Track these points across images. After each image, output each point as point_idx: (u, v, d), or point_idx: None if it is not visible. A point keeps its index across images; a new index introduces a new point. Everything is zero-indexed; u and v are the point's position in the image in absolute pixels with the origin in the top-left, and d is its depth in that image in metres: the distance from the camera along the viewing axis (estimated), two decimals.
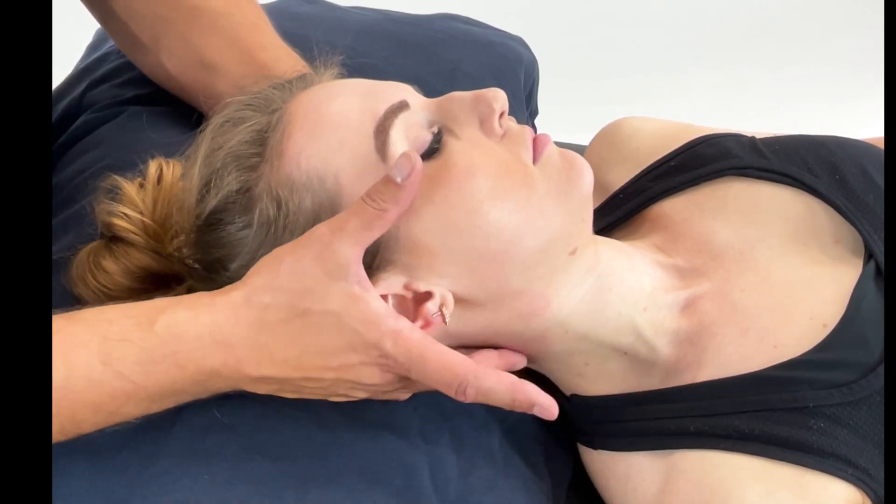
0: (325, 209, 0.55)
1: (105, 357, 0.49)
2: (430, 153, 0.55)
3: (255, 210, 0.56)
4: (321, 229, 0.51)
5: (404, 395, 0.58)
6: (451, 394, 0.51)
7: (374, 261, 0.54)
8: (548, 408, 0.52)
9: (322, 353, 0.51)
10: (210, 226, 0.57)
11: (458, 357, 0.52)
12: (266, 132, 0.57)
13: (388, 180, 0.50)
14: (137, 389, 0.50)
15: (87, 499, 0.52)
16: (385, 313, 0.51)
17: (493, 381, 0.51)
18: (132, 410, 0.52)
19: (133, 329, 0.50)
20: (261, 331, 0.51)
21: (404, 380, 0.54)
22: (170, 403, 0.53)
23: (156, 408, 0.52)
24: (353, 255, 0.50)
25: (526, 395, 0.52)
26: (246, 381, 0.53)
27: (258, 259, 0.54)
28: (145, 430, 0.53)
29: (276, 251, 0.52)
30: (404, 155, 0.50)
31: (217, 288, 0.54)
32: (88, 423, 0.51)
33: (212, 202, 0.57)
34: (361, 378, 0.52)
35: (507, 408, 0.53)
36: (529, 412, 0.52)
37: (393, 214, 0.50)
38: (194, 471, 0.54)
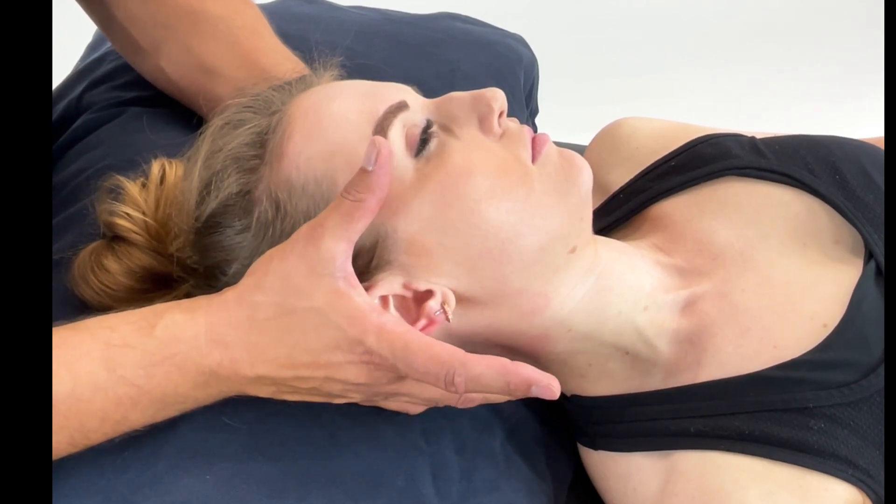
0: (319, 210, 0.54)
1: (108, 363, 0.49)
2: (423, 145, 0.55)
3: (255, 213, 0.56)
4: (304, 228, 0.51)
5: (413, 409, 0.58)
6: (442, 385, 0.49)
7: (372, 262, 0.54)
8: (547, 385, 0.48)
9: (309, 350, 0.51)
10: (208, 228, 0.57)
11: (444, 346, 0.50)
12: (266, 134, 0.57)
13: (362, 171, 0.50)
14: (141, 394, 0.50)
15: (89, 499, 0.52)
16: (368, 308, 0.50)
17: (482, 366, 0.49)
18: (138, 418, 0.52)
19: (134, 334, 0.51)
20: (252, 330, 0.51)
21: (397, 380, 0.53)
22: (175, 410, 0.53)
23: (161, 416, 0.53)
24: (336, 250, 0.50)
25: (520, 377, 0.49)
26: (244, 383, 0.53)
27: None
28: (147, 431, 0.53)
29: (268, 252, 0.53)
30: (371, 141, 0.50)
31: (214, 292, 0.54)
32: (97, 432, 0.51)
33: (211, 204, 0.57)
34: (349, 377, 0.52)
35: (505, 394, 0.50)
36: (528, 395, 0.49)
37: (372, 203, 0.50)
38: (196, 471, 0.54)
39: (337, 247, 0.50)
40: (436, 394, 0.55)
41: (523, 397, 0.50)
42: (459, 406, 0.57)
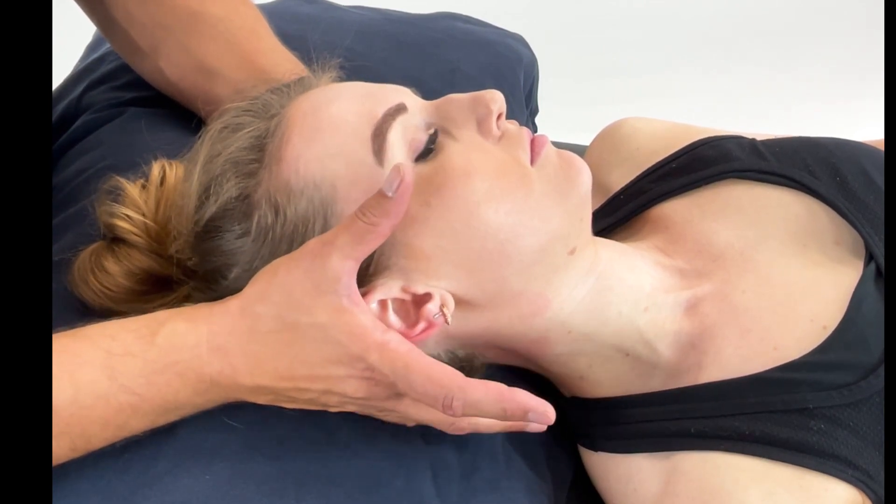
0: (318, 215, 0.55)
1: (110, 372, 0.50)
2: (426, 154, 0.55)
3: (254, 217, 0.56)
4: (312, 243, 0.51)
5: (409, 422, 0.58)
6: (439, 407, 0.51)
7: (371, 267, 0.54)
8: (543, 413, 0.50)
9: (309, 363, 0.51)
10: (208, 233, 0.57)
11: (445, 369, 0.51)
12: (265, 138, 0.57)
13: (380, 194, 0.50)
14: (143, 402, 0.51)
15: (88, 499, 0.52)
16: (372, 326, 0.51)
17: (480, 392, 0.50)
18: (139, 424, 0.52)
19: (135, 342, 0.51)
20: (253, 340, 0.52)
21: (395, 396, 0.54)
22: (175, 416, 0.53)
23: (162, 421, 0.53)
24: (343, 268, 0.50)
25: (517, 403, 0.50)
26: (243, 391, 0.53)
27: (256, 267, 0.54)
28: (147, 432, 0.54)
29: (274, 263, 0.53)
30: (394, 168, 0.50)
31: (216, 296, 0.55)
32: (98, 438, 0.51)
33: (211, 209, 0.57)
34: (347, 391, 0.53)
35: (501, 419, 0.51)
36: (524, 420, 0.50)
37: (385, 228, 0.50)
38: (195, 471, 0.54)
39: (343, 266, 0.50)
40: (430, 416, 0.56)
41: (519, 420, 0.51)
42: (450, 432, 0.57)
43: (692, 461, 0.58)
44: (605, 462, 0.63)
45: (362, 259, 0.51)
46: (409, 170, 0.50)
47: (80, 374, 0.49)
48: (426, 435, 0.61)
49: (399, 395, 0.53)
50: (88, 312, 0.61)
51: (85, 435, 0.50)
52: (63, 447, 0.50)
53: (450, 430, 0.57)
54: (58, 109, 0.90)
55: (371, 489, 0.56)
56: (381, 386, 0.52)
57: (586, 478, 0.66)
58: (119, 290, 0.61)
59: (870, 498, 0.55)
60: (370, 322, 0.51)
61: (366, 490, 0.56)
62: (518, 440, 0.65)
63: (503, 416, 0.50)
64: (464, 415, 0.50)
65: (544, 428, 0.52)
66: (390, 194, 0.49)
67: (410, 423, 0.58)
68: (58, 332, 0.51)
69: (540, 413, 0.50)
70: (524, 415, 0.50)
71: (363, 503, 0.56)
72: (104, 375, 0.50)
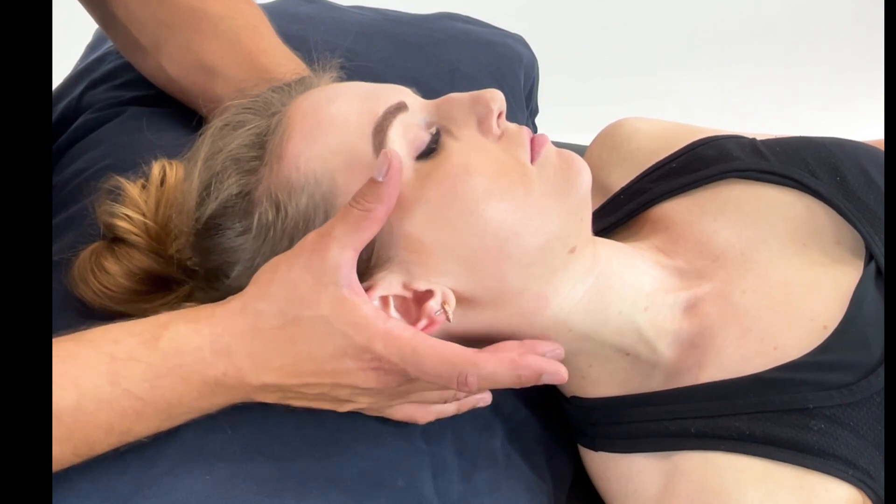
0: (319, 211, 0.55)
1: (113, 377, 0.50)
2: (428, 153, 0.55)
3: (255, 214, 0.56)
4: (310, 237, 0.52)
5: (421, 418, 0.58)
6: (454, 385, 0.51)
7: (371, 262, 0.54)
8: (555, 372, 0.52)
9: (315, 358, 0.51)
10: (209, 230, 0.57)
11: (454, 348, 0.51)
12: (265, 135, 0.57)
13: (371, 181, 0.50)
14: (146, 406, 0.51)
15: (88, 499, 0.52)
16: (374, 316, 0.51)
17: (492, 364, 0.51)
18: (143, 429, 0.52)
19: (138, 347, 0.51)
20: (256, 338, 0.51)
21: (407, 382, 0.54)
22: (179, 420, 0.53)
23: (166, 425, 0.53)
24: (342, 259, 0.50)
25: (530, 369, 0.52)
26: (250, 391, 0.53)
27: (257, 265, 0.54)
28: None
29: (273, 260, 0.53)
30: (382, 153, 0.50)
31: (219, 295, 0.55)
32: (102, 444, 0.51)
33: (211, 206, 0.57)
34: (358, 383, 0.52)
35: (517, 386, 0.52)
36: (539, 383, 0.52)
37: (380, 213, 0.50)
38: (196, 471, 0.54)
39: (343, 256, 0.50)
40: (442, 395, 0.56)
41: (533, 383, 0.53)
42: (460, 391, 0.57)
43: (692, 461, 0.58)
44: (605, 462, 0.63)
45: (361, 248, 0.51)
46: (396, 153, 0.50)
47: (84, 380, 0.49)
48: (427, 435, 0.61)
49: (411, 381, 0.53)
50: (88, 312, 0.61)
51: (88, 441, 0.50)
52: (66, 452, 0.50)
53: (459, 390, 0.57)
54: (58, 109, 0.90)
55: (372, 489, 0.56)
56: (391, 374, 0.52)
57: (586, 478, 0.66)
58: (119, 289, 0.61)
59: (870, 498, 0.55)
60: (372, 312, 0.51)
61: (366, 490, 0.56)
62: (518, 440, 0.66)
63: (518, 383, 0.52)
64: (479, 390, 0.52)
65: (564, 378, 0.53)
66: (381, 179, 0.50)
67: (421, 420, 0.58)
68: (58, 333, 0.50)
69: (552, 373, 0.52)
70: (538, 378, 0.52)
71: (364, 503, 0.56)
72: (107, 381, 0.49)
